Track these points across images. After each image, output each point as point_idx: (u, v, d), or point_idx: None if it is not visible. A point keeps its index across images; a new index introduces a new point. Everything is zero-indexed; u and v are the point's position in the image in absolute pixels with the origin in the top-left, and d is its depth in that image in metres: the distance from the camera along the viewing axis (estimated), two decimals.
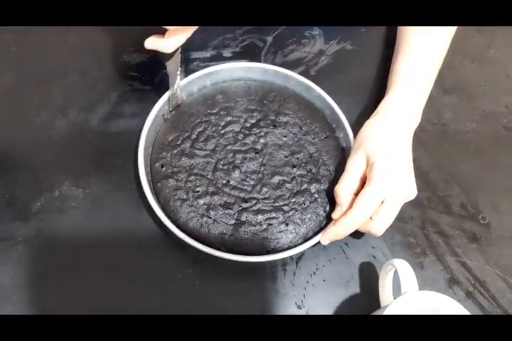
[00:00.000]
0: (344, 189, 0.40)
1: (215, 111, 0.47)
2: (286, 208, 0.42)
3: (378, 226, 0.39)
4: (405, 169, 0.41)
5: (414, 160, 0.43)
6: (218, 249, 0.39)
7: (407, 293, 0.35)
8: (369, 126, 0.44)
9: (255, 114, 0.47)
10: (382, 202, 0.39)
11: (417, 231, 0.46)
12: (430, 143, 0.51)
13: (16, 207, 0.43)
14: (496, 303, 0.43)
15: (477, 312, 0.43)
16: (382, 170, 0.39)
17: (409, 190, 0.41)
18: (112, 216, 0.43)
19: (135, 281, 0.41)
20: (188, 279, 0.41)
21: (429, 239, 0.46)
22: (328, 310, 0.41)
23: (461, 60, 0.57)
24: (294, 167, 0.45)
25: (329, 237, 0.40)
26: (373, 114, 0.45)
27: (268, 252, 0.40)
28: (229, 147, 0.45)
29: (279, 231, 0.41)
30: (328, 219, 0.43)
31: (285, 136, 0.46)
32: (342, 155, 0.47)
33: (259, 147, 0.45)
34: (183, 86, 0.46)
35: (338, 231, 0.39)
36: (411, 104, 0.45)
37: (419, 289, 0.36)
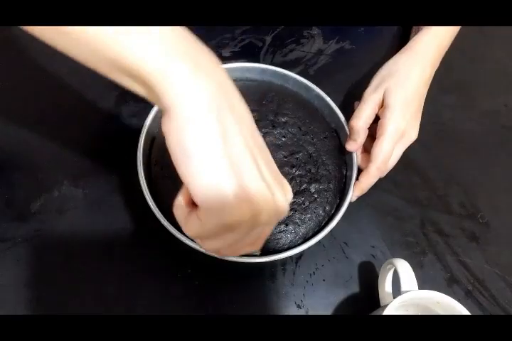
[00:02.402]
0: (361, 124, 0.43)
1: None
2: None
3: (385, 170, 0.43)
4: (417, 114, 0.43)
5: (414, 160, 0.43)
6: None
7: (407, 293, 0.35)
8: (394, 62, 0.45)
9: (254, 115, 0.46)
10: None
11: (417, 230, 0.46)
12: (430, 142, 0.51)
13: (16, 207, 0.43)
14: (496, 302, 0.43)
15: (476, 311, 0.43)
16: (397, 122, 0.41)
17: (414, 136, 0.43)
18: (111, 216, 0.43)
19: (134, 281, 0.41)
20: (187, 279, 0.41)
21: (429, 238, 0.46)
22: (328, 310, 0.41)
23: (460, 60, 0.57)
24: (294, 167, 0.44)
25: (357, 194, 0.43)
26: (400, 51, 0.46)
27: (268, 253, 0.40)
28: None
29: (279, 232, 0.41)
30: (328, 219, 0.43)
31: (284, 136, 0.46)
32: (341, 155, 0.47)
33: None
34: None
35: (363, 185, 0.42)
36: (438, 45, 0.46)
37: (419, 288, 0.36)
